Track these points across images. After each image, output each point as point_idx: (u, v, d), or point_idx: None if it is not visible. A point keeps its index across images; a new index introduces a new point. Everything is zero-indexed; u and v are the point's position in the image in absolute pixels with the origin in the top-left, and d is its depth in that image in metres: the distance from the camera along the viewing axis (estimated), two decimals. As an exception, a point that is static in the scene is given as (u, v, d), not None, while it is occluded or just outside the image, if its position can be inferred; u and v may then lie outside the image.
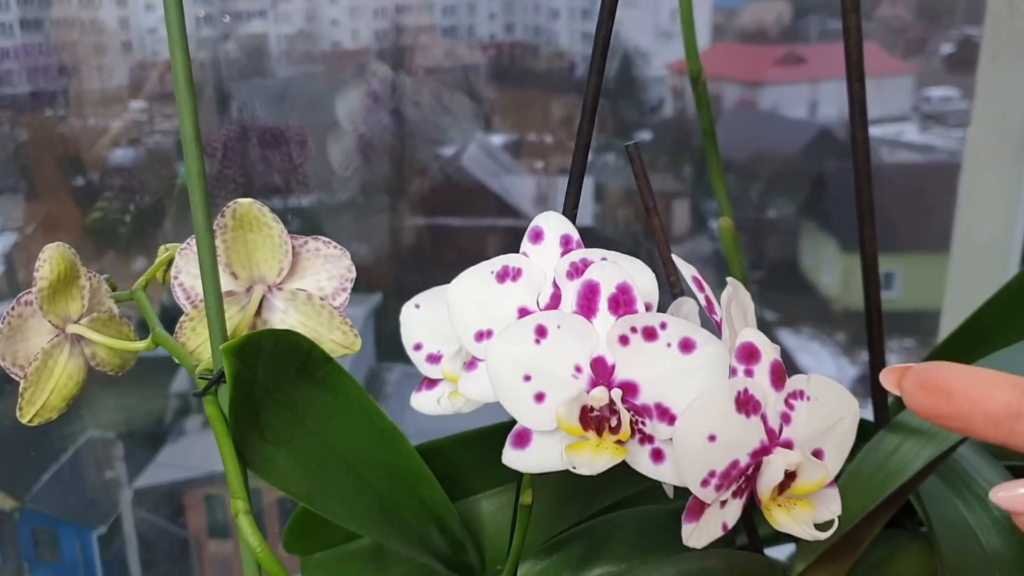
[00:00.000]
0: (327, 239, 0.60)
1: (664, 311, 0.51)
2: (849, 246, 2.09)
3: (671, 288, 0.58)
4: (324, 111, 1.91)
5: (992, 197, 1.07)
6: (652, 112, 2.13)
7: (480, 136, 1.99)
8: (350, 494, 0.61)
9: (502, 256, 0.53)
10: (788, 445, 0.47)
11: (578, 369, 0.48)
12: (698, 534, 0.48)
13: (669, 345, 0.47)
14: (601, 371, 0.47)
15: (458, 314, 0.52)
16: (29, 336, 0.58)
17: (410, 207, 1.90)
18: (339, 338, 0.60)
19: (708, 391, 0.46)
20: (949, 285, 1.22)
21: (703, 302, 0.51)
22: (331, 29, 2.01)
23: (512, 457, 0.49)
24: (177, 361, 0.59)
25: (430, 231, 1.88)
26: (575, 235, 0.53)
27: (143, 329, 0.62)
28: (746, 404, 0.46)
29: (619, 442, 0.47)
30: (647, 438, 0.47)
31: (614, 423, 0.47)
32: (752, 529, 0.67)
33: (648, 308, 0.49)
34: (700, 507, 0.47)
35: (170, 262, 0.61)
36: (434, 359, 0.58)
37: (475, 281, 0.53)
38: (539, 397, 0.48)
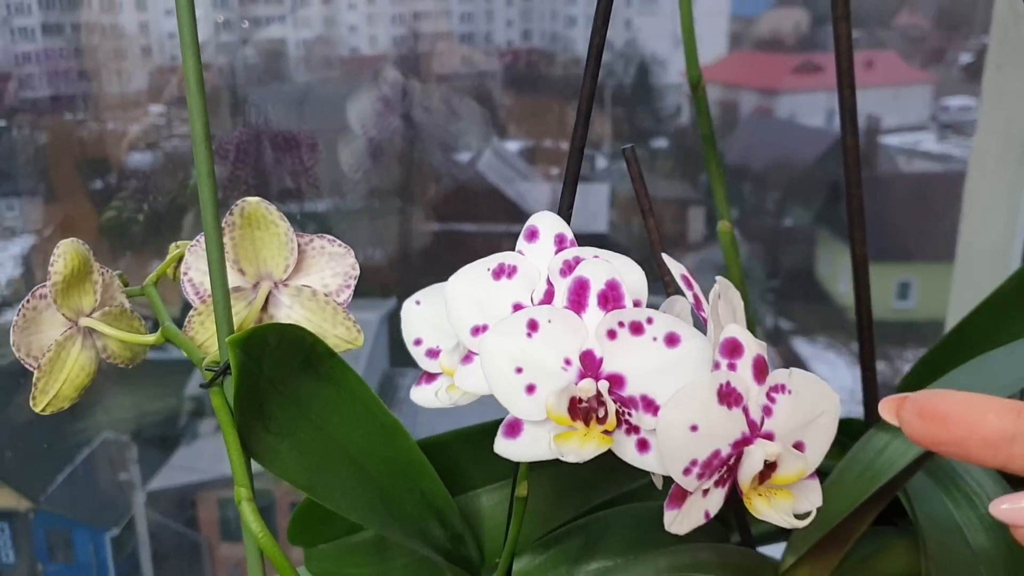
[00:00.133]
0: (332, 237, 0.63)
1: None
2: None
3: (665, 288, 0.61)
4: (341, 116, 1.93)
5: (996, 204, 1.09)
6: (669, 119, 2.15)
7: (495, 142, 2.02)
8: (351, 485, 0.63)
9: (498, 254, 0.55)
10: (769, 437, 0.50)
11: (567, 362, 0.50)
12: (680, 520, 0.50)
13: (655, 339, 0.49)
14: (589, 364, 0.50)
15: (455, 310, 0.55)
16: (43, 328, 0.60)
17: (425, 212, 1.92)
18: (343, 333, 0.63)
19: (691, 383, 0.48)
20: (954, 292, 1.23)
21: (691, 299, 0.54)
22: (349, 35, 2.03)
23: (504, 446, 0.51)
24: (185, 354, 0.61)
25: (444, 236, 1.90)
26: (569, 234, 0.55)
27: (156, 327, 0.64)
28: (728, 396, 0.49)
29: (606, 432, 0.49)
30: (633, 428, 0.50)
31: (601, 414, 0.49)
32: (744, 525, 0.69)
33: (637, 304, 0.51)
34: (682, 495, 0.50)
35: (181, 259, 0.64)
36: (433, 354, 0.61)
37: (472, 278, 0.55)
38: (530, 388, 0.50)
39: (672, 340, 0.49)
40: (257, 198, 0.60)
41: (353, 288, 0.63)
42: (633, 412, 0.49)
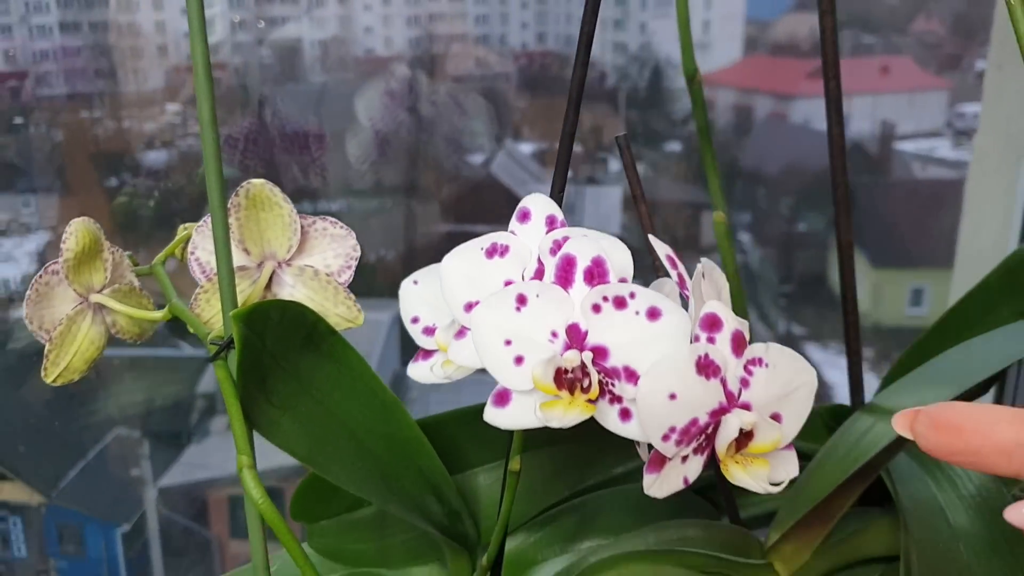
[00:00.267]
0: (334, 219, 0.66)
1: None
2: (879, 262, 2.13)
3: (656, 272, 0.64)
4: (355, 116, 1.96)
5: (995, 204, 1.11)
6: (682, 123, 2.17)
7: (509, 144, 2.04)
8: (351, 459, 0.66)
9: (491, 234, 0.58)
10: (746, 407, 0.53)
11: (554, 334, 0.53)
12: (659, 484, 0.53)
13: (637, 313, 0.52)
14: (575, 336, 0.53)
15: (449, 287, 0.58)
16: (55, 303, 0.63)
17: (437, 213, 1.95)
18: (344, 312, 0.66)
19: (671, 354, 0.51)
20: (953, 292, 1.26)
21: (676, 279, 0.57)
22: (365, 36, 2.06)
23: (492, 414, 0.54)
24: (191, 329, 0.64)
25: (457, 237, 1.92)
26: (559, 215, 0.58)
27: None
28: (706, 368, 0.52)
29: (589, 401, 0.52)
30: (616, 398, 0.53)
31: (586, 384, 0.52)
32: (733, 508, 0.72)
33: (622, 282, 0.54)
34: (661, 460, 0.52)
35: (188, 240, 0.67)
36: (429, 331, 0.64)
37: (466, 257, 0.58)
38: (518, 360, 0.53)
39: (654, 314, 0.52)
40: (262, 180, 0.63)
41: (354, 268, 0.66)
42: (616, 382, 0.52)
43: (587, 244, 0.53)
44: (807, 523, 0.66)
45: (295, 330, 0.61)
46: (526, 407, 0.53)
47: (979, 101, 2.08)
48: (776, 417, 0.54)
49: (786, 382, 0.54)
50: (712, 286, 0.57)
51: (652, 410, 0.51)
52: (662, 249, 0.57)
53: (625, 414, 0.53)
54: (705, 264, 0.57)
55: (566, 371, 0.52)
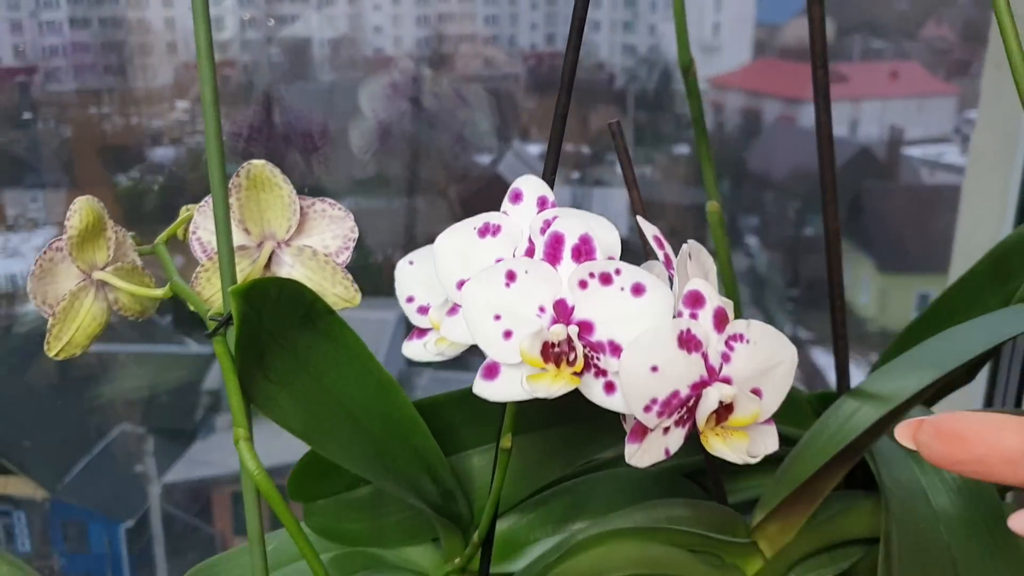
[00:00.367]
0: (332, 201, 0.68)
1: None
2: (886, 266, 2.15)
3: (646, 253, 0.66)
4: (362, 115, 1.98)
5: (992, 203, 1.13)
6: (691, 126, 2.19)
7: (517, 145, 2.07)
8: (347, 436, 0.68)
9: (484, 214, 0.60)
10: (727, 381, 0.55)
11: (542, 309, 0.55)
12: (640, 455, 0.55)
13: (622, 289, 0.54)
14: (562, 311, 0.55)
15: (443, 265, 0.60)
16: (58, 279, 0.66)
17: (445, 214, 1.97)
18: (341, 292, 0.68)
19: (653, 328, 0.53)
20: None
21: (662, 259, 0.59)
22: (374, 36, 2.08)
23: (481, 387, 0.56)
24: (191, 307, 0.66)
25: (464, 237, 1.95)
26: (551, 196, 0.60)
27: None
28: (688, 342, 0.54)
29: (575, 374, 0.54)
30: (601, 372, 0.55)
31: (571, 358, 0.55)
32: (721, 491, 0.74)
33: (610, 260, 0.56)
34: (643, 431, 0.55)
35: (190, 220, 0.69)
36: (424, 310, 0.66)
37: (459, 235, 0.60)
38: (507, 334, 0.56)
39: (638, 290, 0.54)
40: (263, 161, 0.66)
41: (352, 249, 0.68)
42: (601, 356, 0.55)
43: (575, 222, 0.56)
44: (791, 504, 0.68)
45: (293, 308, 0.64)
46: (514, 380, 0.56)
47: (987, 106, 2.10)
48: (757, 392, 0.56)
49: (766, 358, 0.56)
50: (699, 267, 0.59)
51: (634, 382, 0.53)
52: (649, 230, 0.59)
53: (610, 387, 0.55)
54: (692, 245, 0.59)
55: (553, 345, 0.54)
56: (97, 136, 2.00)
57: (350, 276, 0.68)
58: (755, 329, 0.56)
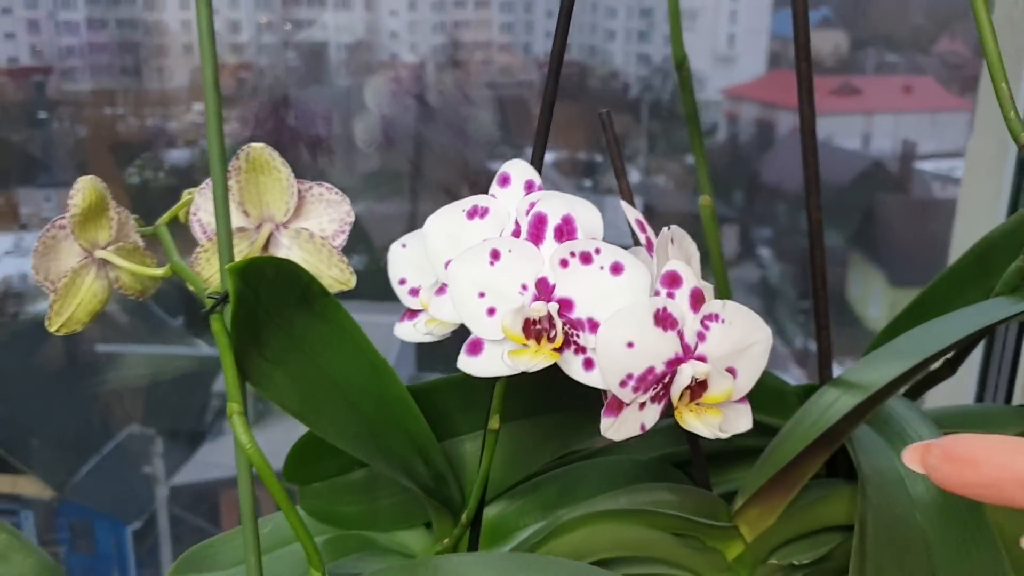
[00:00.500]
0: (330, 185, 0.71)
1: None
2: (897, 280, 2.17)
3: (634, 240, 0.69)
4: (375, 119, 2.01)
5: (987, 207, 1.15)
6: (705, 136, 2.22)
7: (529, 152, 2.09)
8: (341, 416, 0.71)
9: (473, 197, 0.63)
10: (702, 359, 0.57)
11: (524, 287, 0.58)
12: (616, 428, 0.57)
13: (602, 268, 0.57)
14: (543, 289, 0.57)
15: (432, 246, 0.63)
16: (61, 256, 0.69)
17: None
18: (336, 274, 0.71)
19: (630, 305, 0.56)
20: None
21: (644, 242, 0.62)
22: (390, 41, 2.10)
23: (465, 362, 0.59)
24: (190, 287, 0.69)
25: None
26: (537, 180, 0.63)
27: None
28: (664, 320, 0.56)
29: (555, 350, 0.57)
30: (581, 349, 0.57)
31: (552, 334, 0.57)
32: (704, 474, 0.77)
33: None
34: (619, 405, 0.57)
35: (191, 203, 0.72)
36: (415, 292, 0.69)
37: (448, 217, 0.63)
38: (491, 311, 0.58)
39: (617, 269, 0.57)
40: (262, 144, 0.68)
41: (347, 233, 0.71)
42: (580, 333, 0.57)
43: (558, 203, 0.58)
44: (772, 489, 0.71)
45: (289, 288, 0.66)
46: (497, 356, 0.58)
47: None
48: (731, 371, 0.58)
49: (741, 338, 0.58)
50: (681, 251, 0.62)
51: (610, 357, 0.56)
52: (632, 214, 0.62)
53: (588, 364, 0.57)
54: (674, 230, 0.62)
55: (534, 322, 0.57)
56: (112, 136, 2.03)
57: (345, 259, 0.71)
58: (730, 309, 0.58)
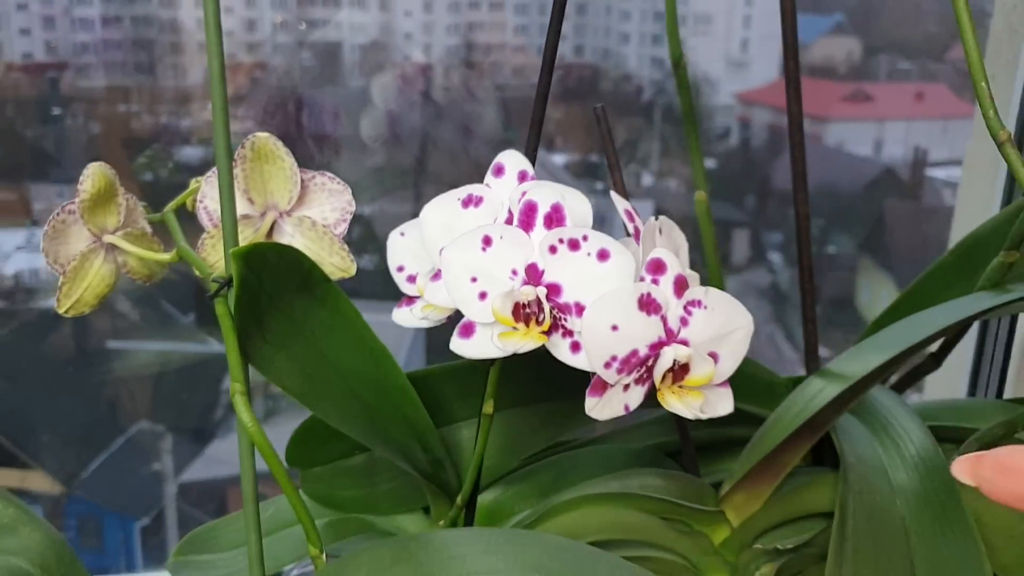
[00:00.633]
0: (332, 175, 0.74)
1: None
2: (907, 286, 2.19)
3: (627, 232, 0.72)
4: (389, 120, 2.04)
5: (984, 210, 1.18)
6: (718, 140, 2.25)
7: (542, 155, 2.12)
8: (340, 399, 0.74)
9: (468, 186, 0.66)
10: (684, 343, 0.60)
11: (514, 272, 0.61)
12: (600, 408, 0.61)
13: (589, 254, 0.60)
14: (532, 274, 0.61)
15: (428, 234, 0.66)
16: (70, 240, 0.72)
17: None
18: (338, 262, 0.74)
19: (615, 289, 0.59)
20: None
21: (632, 231, 0.65)
22: (404, 42, 2.13)
23: (458, 344, 0.62)
24: (196, 272, 0.72)
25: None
26: (530, 171, 0.66)
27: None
28: (648, 305, 0.60)
29: (543, 333, 0.60)
30: (568, 332, 0.61)
31: (540, 318, 0.60)
32: (693, 462, 0.80)
33: (581, 230, 0.62)
34: (603, 386, 0.60)
35: (198, 191, 0.75)
36: (412, 279, 0.72)
37: (444, 206, 0.66)
38: (482, 295, 0.61)
39: (603, 255, 0.60)
40: (266, 134, 0.72)
41: (348, 221, 0.74)
42: (568, 317, 0.60)
43: (548, 191, 0.62)
44: (757, 475, 0.74)
45: (291, 274, 0.69)
46: (487, 338, 0.62)
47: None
48: (714, 356, 0.61)
49: (723, 324, 0.61)
50: (670, 242, 0.65)
51: (595, 339, 0.59)
52: (621, 204, 0.65)
53: (575, 347, 0.61)
54: (663, 220, 0.65)
55: (524, 305, 0.60)
56: (125, 133, 2.06)
57: (346, 247, 0.74)
58: (713, 296, 0.61)
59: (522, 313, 0.61)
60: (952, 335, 0.82)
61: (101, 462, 2.16)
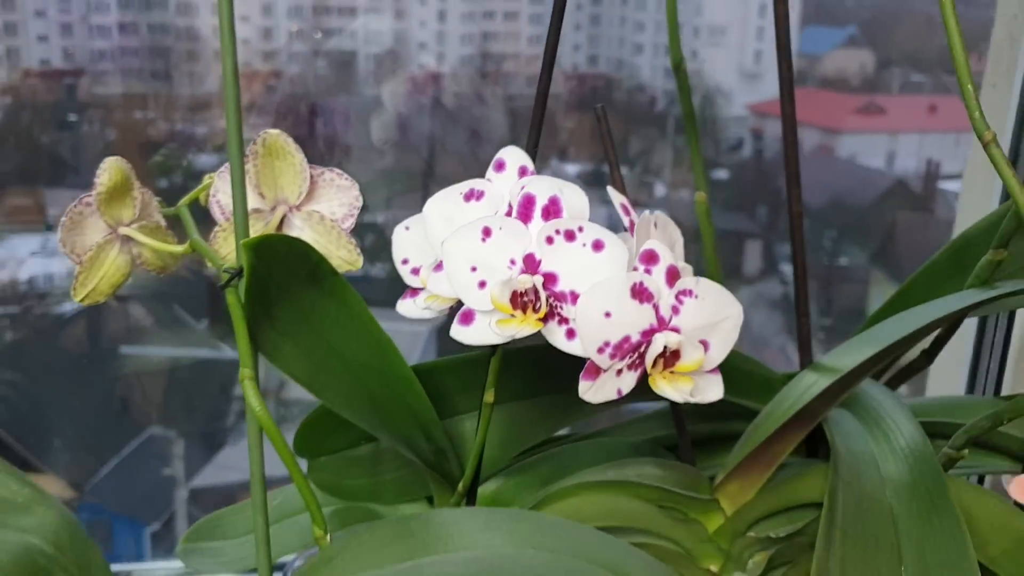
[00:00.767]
0: (340, 171, 0.77)
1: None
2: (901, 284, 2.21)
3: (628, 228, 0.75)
4: (403, 129, 2.07)
5: (982, 215, 1.21)
6: (731, 151, 2.28)
7: (555, 164, 2.15)
8: (346, 388, 0.77)
9: (470, 180, 0.70)
10: (676, 331, 0.64)
11: (512, 262, 0.64)
12: (593, 391, 0.64)
13: (584, 245, 0.63)
14: (530, 264, 0.64)
15: (431, 227, 0.69)
16: (87, 231, 0.75)
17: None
18: (345, 255, 0.77)
19: (608, 278, 0.62)
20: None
21: (627, 224, 0.68)
22: (419, 52, 2.16)
23: (458, 331, 0.66)
24: (209, 263, 0.76)
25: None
26: (531, 166, 0.69)
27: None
28: (640, 293, 0.63)
29: (539, 320, 0.64)
30: (564, 320, 0.64)
31: (537, 306, 0.64)
32: (689, 452, 0.83)
33: (578, 222, 0.65)
34: (597, 371, 0.64)
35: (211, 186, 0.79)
36: (416, 272, 0.75)
37: (446, 200, 0.70)
38: (482, 284, 0.65)
39: (598, 246, 0.63)
40: (277, 130, 0.75)
41: (356, 216, 0.78)
42: (564, 305, 0.64)
43: (546, 185, 0.65)
44: (750, 464, 0.77)
45: (300, 265, 0.72)
46: (486, 325, 0.65)
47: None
48: (704, 343, 0.65)
49: (713, 313, 0.65)
50: (665, 236, 0.68)
51: (588, 325, 0.62)
52: (617, 198, 0.69)
53: (571, 334, 0.64)
54: (658, 215, 0.68)
55: (521, 294, 0.64)
56: (141, 140, 2.09)
57: (354, 241, 0.77)
58: (703, 286, 0.64)
59: (519, 301, 0.64)
60: (943, 332, 0.85)
61: (112, 467, 2.18)
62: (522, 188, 0.66)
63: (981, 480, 1.01)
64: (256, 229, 0.76)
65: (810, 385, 0.76)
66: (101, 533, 2.20)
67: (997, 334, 1.18)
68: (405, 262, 0.75)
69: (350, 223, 0.77)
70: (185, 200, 0.79)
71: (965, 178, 1.28)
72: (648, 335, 0.64)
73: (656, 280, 0.64)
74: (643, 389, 0.66)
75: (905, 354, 0.86)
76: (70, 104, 2.06)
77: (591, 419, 0.91)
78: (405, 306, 0.74)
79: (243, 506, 0.93)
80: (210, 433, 2.23)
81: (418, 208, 0.73)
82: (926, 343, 0.87)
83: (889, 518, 0.71)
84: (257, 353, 0.72)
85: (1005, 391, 1.19)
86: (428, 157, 2.09)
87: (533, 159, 0.73)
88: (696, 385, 0.65)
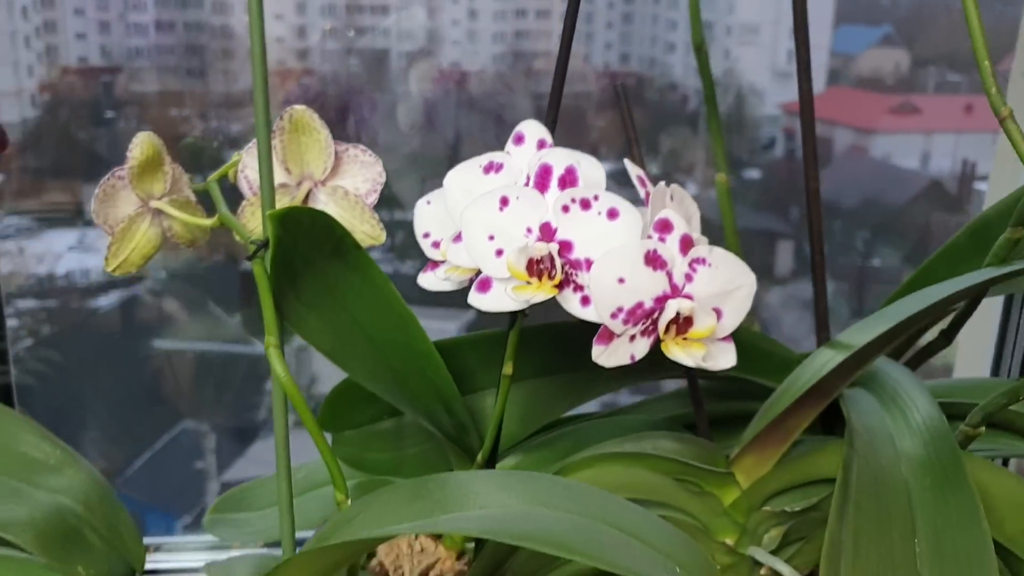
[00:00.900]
0: (364, 147, 0.79)
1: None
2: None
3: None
4: (435, 125, 2.09)
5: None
6: (763, 151, 2.28)
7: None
8: (369, 360, 0.79)
9: (489, 153, 0.71)
10: (689, 298, 0.65)
11: (529, 230, 0.66)
12: (607, 356, 0.65)
13: (599, 213, 0.65)
14: (546, 232, 0.66)
15: (451, 198, 0.71)
16: (119, 204, 0.78)
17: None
18: (368, 230, 0.79)
19: (622, 245, 0.64)
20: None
21: (643, 195, 0.70)
22: (451, 50, 2.18)
23: (475, 298, 0.67)
24: (236, 237, 0.78)
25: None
26: (549, 139, 0.71)
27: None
28: (654, 260, 0.64)
29: (555, 287, 0.65)
30: (579, 287, 0.66)
31: (553, 273, 0.65)
32: (704, 423, 0.85)
33: (596, 196, 0.67)
34: (610, 335, 0.65)
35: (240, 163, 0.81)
36: (437, 245, 0.77)
37: (466, 172, 0.71)
38: (499, 252, 0.66)
39: (613, 214, 0.65)
40: (303, 107, 0.77)
41: (379, 192, 0.79)
42: (579, 272, 0.65)
43: (563, 155, 0.67)
44: (766, 438, 0.78)
45: (324, 238, 0.74)
46: (502, 292, 0.67)
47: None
48: (717, 311, 0.66)
49: (726, 281, 0.66)
50: (682, 209, 0.70)
51: (602, 291, 0.64)
52: (634, 170, 0.70)
53: (585, 300, 0.66)
54: (675, 188, 0.70)
55: (537, 261, 0.65)
56: (176, 137, 2.11)
57: (376, 216, 0.79)
58: (717, 254, 0.66)
59: (535, 268, 0.65)
60: (962, 312, 0.86)
61: (145, 460, 2.21)
62: (540, 159, 0.68)
63: (1005, 463, 1.02)
64: (282, 203, 0.78)
65: (826, 361, 0.77)
66: (133, 525, 2.22)
67: (1023, 317, 1.19)
68: (426, 235, 0.77)
69: (373, 198, 0.79)
70: (214, 176, 0.81)
71: (993, 169, 1.29)
72: (661, 301, 0.65)
73: (670, 248, 0.65)
74: (661, 363, 0.68)
75: (923, 334, 0.87)
76: (107, 101, 2.09)
77: (609, 399, 0.93)
78: (426, 279, 0.76)
79: (268, 480, 0.95)
80: (242, 428, 2.25)
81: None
82: (944, 323, 0.88)
83: (904, 492, 0.72)
84: (282, 323, 0.74)
85: (1031, 373, 1.20)
86: (456, 157, 2.10)
87: (552, 132, 0.74)
88: (708, 351, 0.66)
